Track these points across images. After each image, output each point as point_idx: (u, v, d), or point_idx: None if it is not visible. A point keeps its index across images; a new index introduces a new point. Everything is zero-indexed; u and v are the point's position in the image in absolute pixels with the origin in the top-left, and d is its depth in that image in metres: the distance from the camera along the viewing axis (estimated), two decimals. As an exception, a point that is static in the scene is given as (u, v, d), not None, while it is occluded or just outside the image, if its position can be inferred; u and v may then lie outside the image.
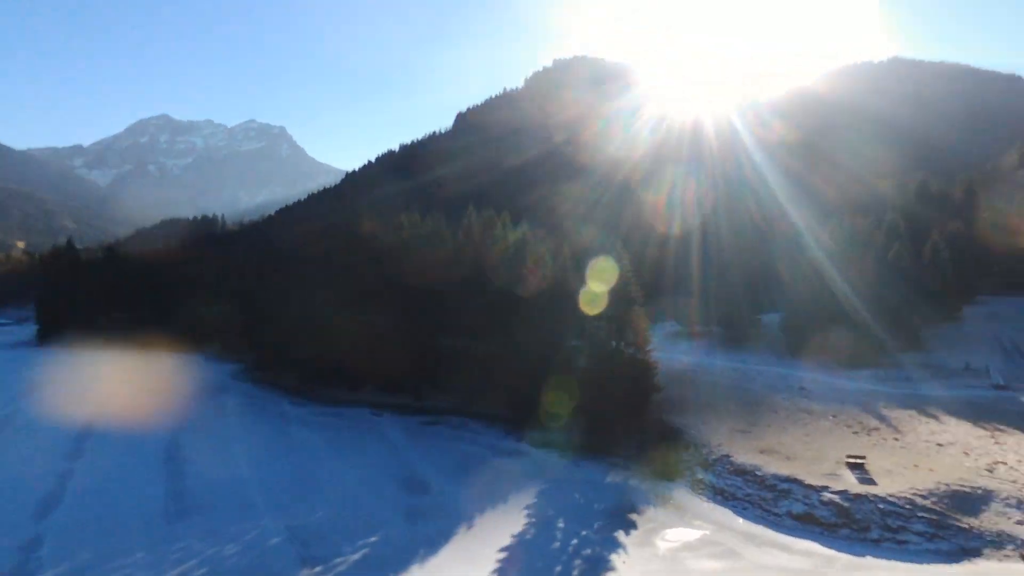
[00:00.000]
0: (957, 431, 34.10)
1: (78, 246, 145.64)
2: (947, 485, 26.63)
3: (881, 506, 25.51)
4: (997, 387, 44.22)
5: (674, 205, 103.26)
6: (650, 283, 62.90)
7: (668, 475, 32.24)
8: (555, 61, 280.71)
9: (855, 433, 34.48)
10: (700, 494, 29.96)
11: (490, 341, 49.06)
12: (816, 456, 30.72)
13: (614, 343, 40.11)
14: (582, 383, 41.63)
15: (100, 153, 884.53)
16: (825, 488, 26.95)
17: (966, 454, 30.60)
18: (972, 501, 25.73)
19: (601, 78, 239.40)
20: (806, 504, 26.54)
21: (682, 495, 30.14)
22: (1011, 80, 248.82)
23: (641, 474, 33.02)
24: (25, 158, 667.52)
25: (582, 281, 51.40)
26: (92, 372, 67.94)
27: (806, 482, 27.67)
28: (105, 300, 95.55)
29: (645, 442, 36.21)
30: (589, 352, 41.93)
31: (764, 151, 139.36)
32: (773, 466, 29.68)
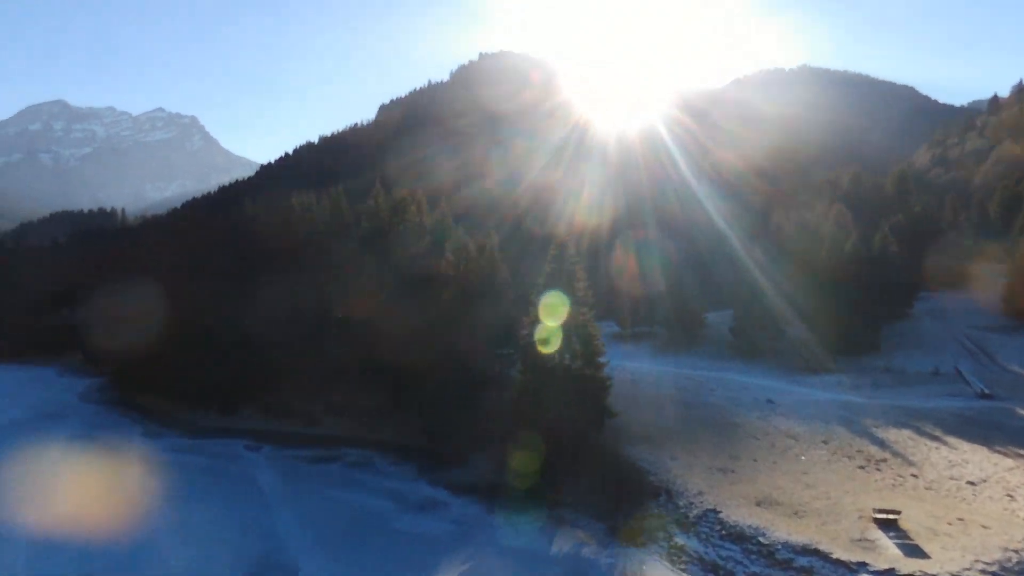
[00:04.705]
0: (978, 460, 27.44)
1: None
2: (1017, 553, 19.40)
3: (949, 596, 17.89)
4: (982, 395, 38.87)
5: (605, 204, 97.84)
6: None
7: (635, 538, 23.63)
8: (481, 55, 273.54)
9: (862, 468, 27.17)
10: (683, 570, 21.55)
11: (401, 349, 39.52)
12: (830, 508, 22.97)
13: (556, 354, 31.36)
14: (515, 404, 32.89)
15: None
16: (863, 566, 19.02)
17: (1011, 497, 23.71)
18: (1059, 578, 18.55)
19: (527, 74, 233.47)
20: (841, 593, 18.61)
21: (659, 573, 21.63)
22: (907, 90, 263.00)
23: (598, 536, 24.33)
24: None
25: (509, 280, 43.17)
26: None
27: (833, 555, 19.67)
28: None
29: (599, 486, 27.61)
30: (523, 364, 33.18)
31: (687, 151, 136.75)
32: (780, 527, 21.63)
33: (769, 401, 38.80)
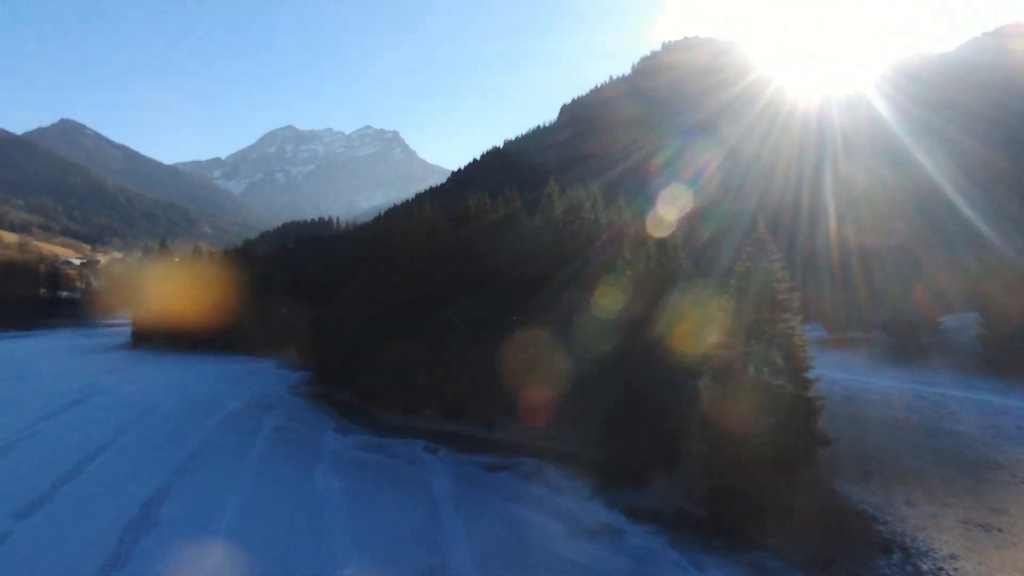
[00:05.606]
0: None
1: (213, 250, 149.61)
2: None
3: None
4: None
5: (808, 188, 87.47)
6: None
7: (859, 605, 18.84)
8: (664, 44, 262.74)
9: None
10: (932, 661, 16.50)
11: (576, 354, 37.34)
12: None
13: (752, 368, 26.88)
14: (704, 424, 28.94)
15: (235, 164, 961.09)
16: None
17: None
18: None
19: (713, 59, 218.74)
20: None
21: (896, 661, 16.81)
22: None
23: (808, 595, 19.85)
24: (173, 171, 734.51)
25: (696, 278, 39.10)
26: (141, 384, 62.90)
27: None
28: (191, 302, 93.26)
29: (809, 530, 22.85)
30: (712, 378, 29.05)
31: (908, 125, 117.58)
32: (1086, 625, 15.69)
33: (1036, 432, 30.23)
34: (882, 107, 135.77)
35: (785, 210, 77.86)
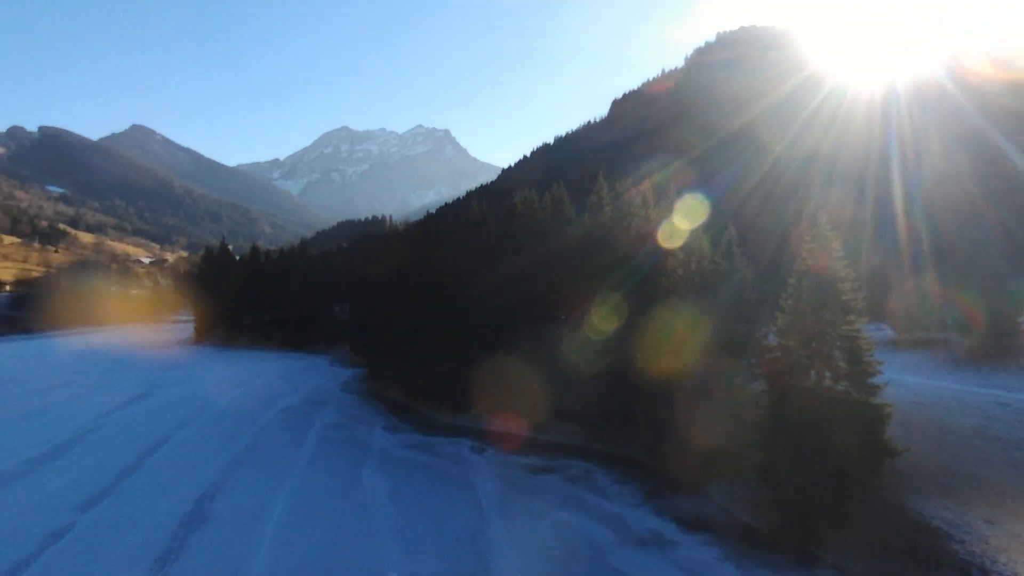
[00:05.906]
0: None
1: (271, 248, 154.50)
2: None
3: None
4: None
5: (877, 177, 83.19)
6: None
7: (934, 634, 17.36)
8: (719, 35, 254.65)
9: None
10: None
11: (626, 355, 36.33)
12: None
13: (812, 372, 25.33)
14: (759, 429, 27.52)
15: (293, 165, 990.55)
16: None
17: None
18: None
19: (772, 50, 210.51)
20: None
21: None
22: None
23: (876, 621, 18.44)
24: (235, 173, 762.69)
25: (751, 278, 37.52)
26: (200, 380, 65.03)
27: None
28: (248, 300, 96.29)
29: (874, 547, 21.34)
30: (768, 382, 27.56)
31: (986, 110, 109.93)
32: None
33: None
34: (954, 90, 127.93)
35: (850, 203, 74.31)
